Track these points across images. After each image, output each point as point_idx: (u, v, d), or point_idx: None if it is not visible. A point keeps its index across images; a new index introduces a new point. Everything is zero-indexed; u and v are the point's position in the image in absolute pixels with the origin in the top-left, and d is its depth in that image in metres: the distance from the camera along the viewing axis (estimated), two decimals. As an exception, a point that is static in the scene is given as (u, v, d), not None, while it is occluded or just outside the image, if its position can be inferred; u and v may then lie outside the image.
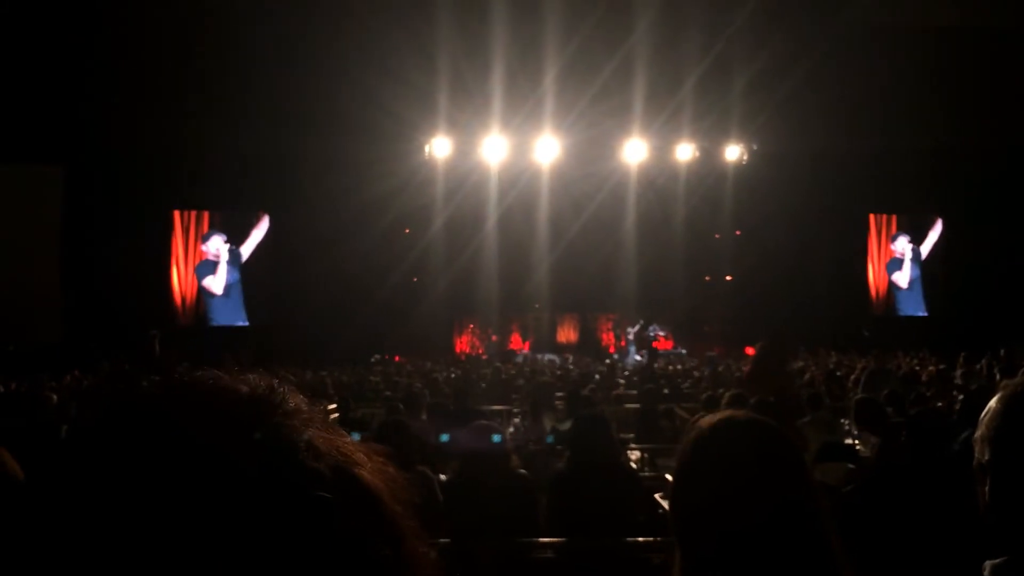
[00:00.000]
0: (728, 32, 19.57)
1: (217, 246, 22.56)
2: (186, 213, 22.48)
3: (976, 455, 1.33)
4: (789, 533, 1.36)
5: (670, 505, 1.57)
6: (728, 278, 24.32)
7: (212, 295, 22.47)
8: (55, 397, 7.84)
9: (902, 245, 25.26)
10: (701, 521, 1.43)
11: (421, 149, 21.86)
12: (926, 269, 25.24)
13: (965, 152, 21.28)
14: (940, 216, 24.98)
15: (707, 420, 1.52)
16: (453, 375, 14.07)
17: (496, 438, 4.12)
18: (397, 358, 19.54)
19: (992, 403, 1.35)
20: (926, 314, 25.01)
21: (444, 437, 4.97)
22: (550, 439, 6.16)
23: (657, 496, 4.47)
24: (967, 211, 22.79)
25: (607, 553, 3.74)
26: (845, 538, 1.39)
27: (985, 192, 21.65)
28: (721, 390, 7.21)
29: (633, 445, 7.19)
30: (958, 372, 10.39)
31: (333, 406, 8.63)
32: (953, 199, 23.05)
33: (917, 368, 12.62)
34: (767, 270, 22.36)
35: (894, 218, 25.29)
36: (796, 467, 1.45)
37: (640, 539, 3.85)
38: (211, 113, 19.52)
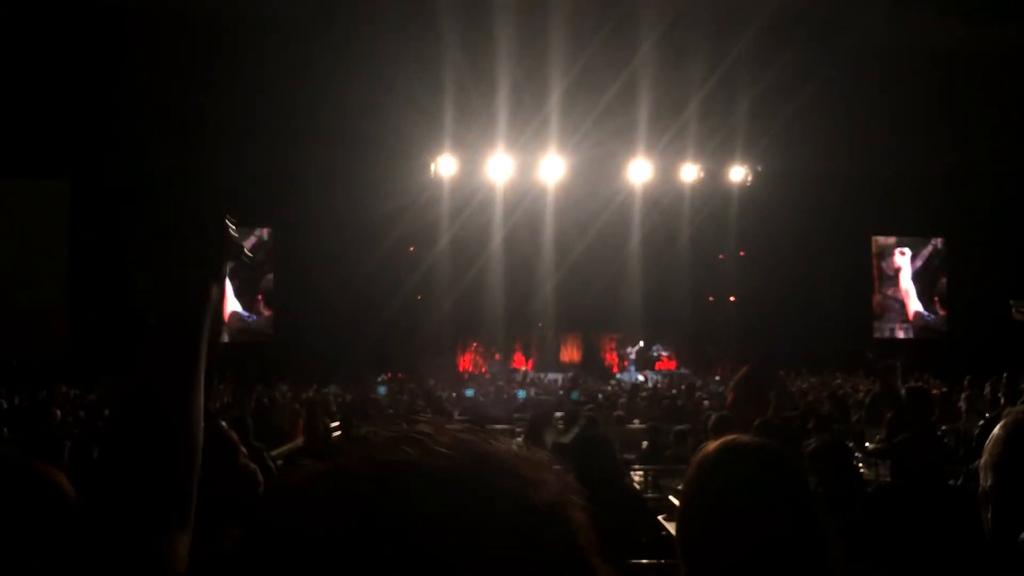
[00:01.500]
0: (732, 54, 19.68)
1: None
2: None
3: (980, 481, 1.34)
4: (795, 557, 1.36)
5: (677, 529, 1.58)
6: (732, 299, 24.31)
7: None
8: (59, 412, 7.85)
9: (901, 260, 25.26)
10: (708, 545, 1.43)
11: (427, 167, 21.96)
12: (921, 283, 25.25)
13: (968, 174, 21.33)
14: (943, 238, 24.97)
15: (713, 445, 1.53)
16: (455, 394, 14.06)
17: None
18: (400, 376, 19.54)
19: (996, 430, 1.36)
20: (916, 336, 25.01)
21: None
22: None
23: (661, 518, 4.46)
24: (969, 233, 22.78)
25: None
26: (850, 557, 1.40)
27: (988, 214, 21.66)
28: (711, 413, 7.21)
29: (637, 466, 7.18)
30: (962, 396, 10.36)
31: (336, 424, 8.63)
32: (956, 221, 23.05)
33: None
34: (771, 291, 22.33)
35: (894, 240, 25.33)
36: (801, 492, 1.45)
37: (644, 561, 3.84)
38: (218, 129, 19.62)
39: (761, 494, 1.41)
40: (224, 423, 6.13)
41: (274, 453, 7.30)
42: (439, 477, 0.54)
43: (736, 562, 1.37)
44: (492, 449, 0.58)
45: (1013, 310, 11.31)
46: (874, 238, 25.09)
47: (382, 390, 15.79)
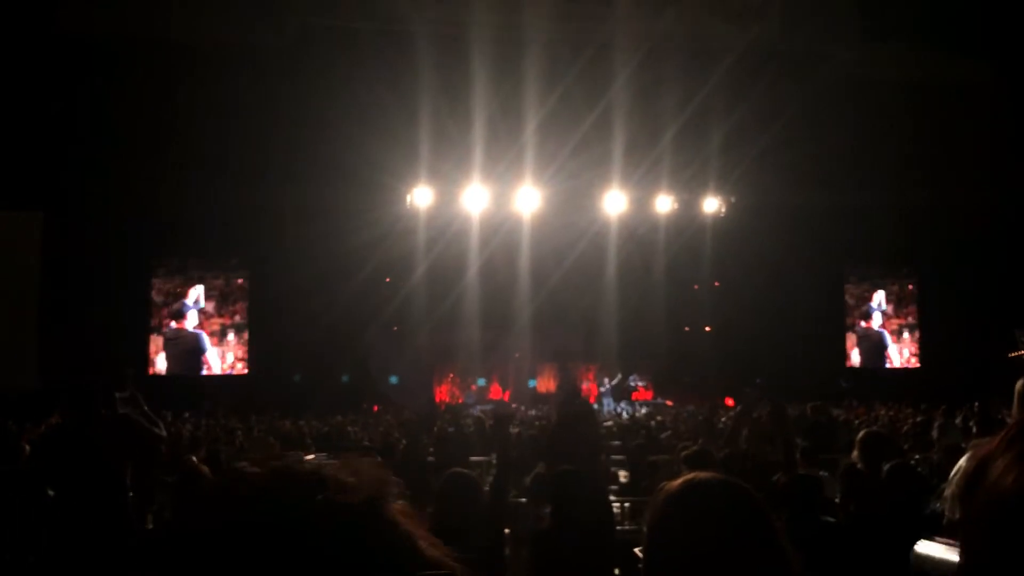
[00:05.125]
0: (707, 86, 19.95)
1: (195, 295, 22.53)
2: (164, 261, 22.44)
3: (947, 513, 1.35)
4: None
5: (643, 565, 1.58)
6: (707, 329, 24.42)
7: (193, 348, 22.40)
8: (28, 448, 7.71)
9: (875, 298, 25.56)
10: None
11: (403, 198, 21.99)
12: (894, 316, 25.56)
13: (941, 207, 21.65)
14: (915, 270, 25.30)
15: (675, 482, 1.53)
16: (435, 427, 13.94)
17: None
18: (376, 408, 19.40)
19: (962, 461, 1.37)
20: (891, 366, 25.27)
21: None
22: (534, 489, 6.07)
23: (637, 551, 4.45)
24: (942, 267, 23.08)
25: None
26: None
27: (961, 247, 21.97)
28: (682, 444, 7.21)
29: (614, 497, 7.15)
30: (935, 425, 10.44)
31: (311, 456, 8.55)
32: (929, 254, 23.35)
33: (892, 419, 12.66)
34: (746, 321, 22.47)
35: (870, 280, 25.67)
36: (763, 526, 1.46)
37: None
38: (192, 162, 19.59)
39: (724, 531, 1.41)
40: (195, 458, 6.07)
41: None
42: (241, 493, 0.67)
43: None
44: (300, 467, 0.70)
45: (1019, 340, 11.27)
46: (846, 286, 25.39)
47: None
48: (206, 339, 22.63)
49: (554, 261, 22.59)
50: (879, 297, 25.50)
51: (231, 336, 22.70)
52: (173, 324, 22.56)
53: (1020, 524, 0.77)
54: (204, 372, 22.41)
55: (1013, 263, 21.32)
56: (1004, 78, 20.40)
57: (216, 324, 22.73)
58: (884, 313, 25.48)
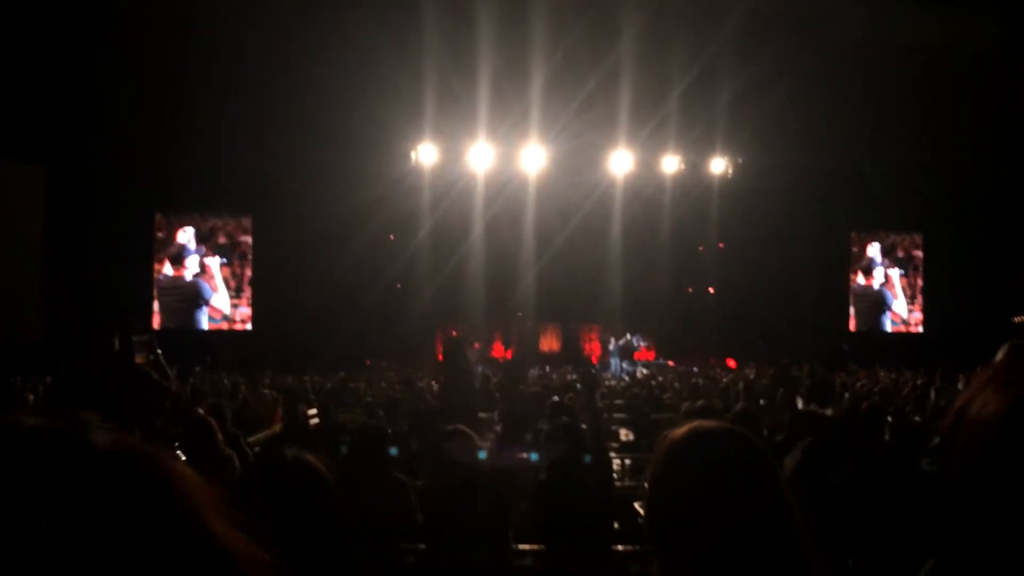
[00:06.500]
0: (713, 46, 19.71)
1: (198, 248, 22.47)
2: (170, 216, 22.38)
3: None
4: (762, 541, 1.37)
5: (645, 514, 1.58)
6: (711, 290, 24.42)
7: (192, 297, 22.36)
8: (31, 397, 7.78)
9: (869, 250, 25.43)
10: (676, 530, 1.44)
11: (407, 156, 21.88)
12: (899, 277, 25.46)
13: (948, 169, 21.49)
14: (921, 232, 25.17)
15: (679, 430, 1.52)
16: (435, 384, 14.01)
17: (482, 454, 4.11)
18: (381, 363, 19.47)
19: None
20: (893, 328, 25.20)
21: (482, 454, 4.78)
22: (534, 456, 6.09)
23: (637, 505, 4.49)
24: (948, 227, 22.98)
25: (586, 561, 3.75)
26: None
27: (967, 209, 21.86)
28: (689, 403, 7.24)
29: (615, 455, 7.21)
30: (932, 389, 10.46)
31: (313, 411, 8.61)
32: (935, 216, 23.23)
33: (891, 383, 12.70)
34: (750, 283, 22.47)
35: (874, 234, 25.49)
36: (768, 475, 1.46)
37: (620, 547, 3.86)
38: (198, 117, 19.47)
39: (726, 477, 1.41)
40: (202, 410, 6.11)
41: (252, 440, 7.29)
42: None
43: (705, 546, 1.38)
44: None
45: None
46: (852, 234, 25.23)
47: None
48: (207, 288, 22.47)
49: (559, 221, 22.53)
50: (874, 250, 25.30)
51: (235, 291, 22.72)
52: (170, 272, 22.35)
53: (998, 445, 0.86)
54: (205, 325, 22.39)
55: (1019, 228, 21.24)
56: (1010, 40, 20.13)
57: (222, 277, 22.70)
58: (888, 276, 25.36)
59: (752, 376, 13.86)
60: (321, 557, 1.75)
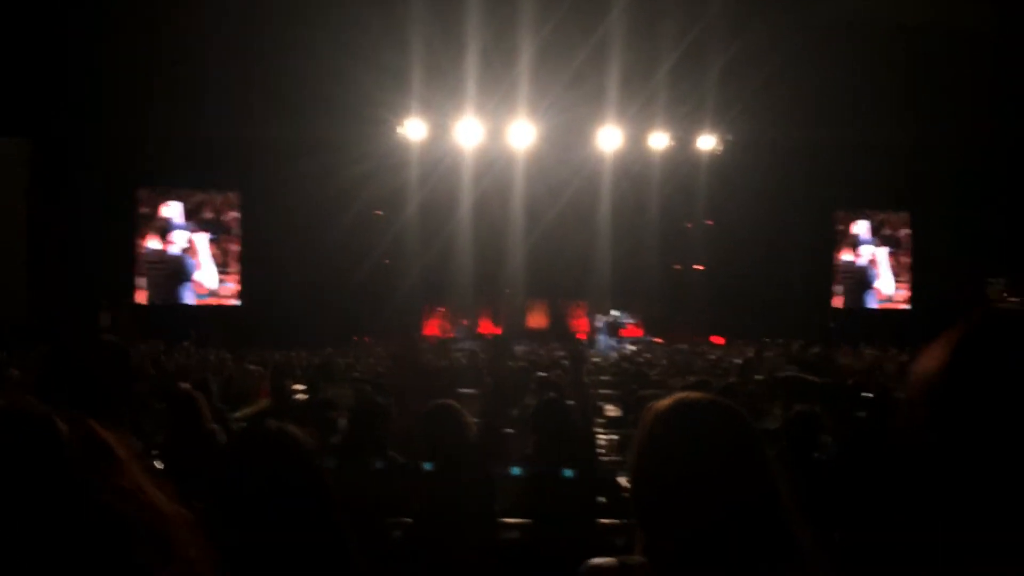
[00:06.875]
0: (703, 21, 19.62)
1: (183, 224, 22.30)
2: (153, 191, 22.20)
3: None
4: (748, 511, 1.37)
5: (631, 486, 1.58)
6: (699, 267, 24.46)
7: (176, 272, 22.23)
8: (16, 372, 7.73)
9: (855, 228, 25.49)
10: (660, 500, 1.43)
11: (393, 130, 21.75)
12: (885, 255, 25.56)
13: (936, 147, 21.53)
14: (909, 211, 25.24)
15: (664, 402, 1.52)
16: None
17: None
18: (367, 339, 19.46)
19: None
20: (879, 305, 25.32)
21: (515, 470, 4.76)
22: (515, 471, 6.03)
23: (622, 480, 4.51)
24: (935, 206, 23.04)
25: (571, 535, 3.77)
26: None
27: (955, 187, 21.91)
28: (679, 378, 7.28)
29: (600, 430, 7.22)
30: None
31: (301, 387, 8.59)
32: (923, 194, 23.27)
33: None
34: (739, 260, 22.54)
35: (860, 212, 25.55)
36: (753, 446, 1.46)
37: (604, 521, 3.88)
38: (183, 91, 19.29)
39: (713, 449, 1.41)
40: (187, 385, 6.09)
41: (238, 415, 7.28)
42: None
43: (689, 517, 1.37)
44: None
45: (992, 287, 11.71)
46: (839, 212, 25.26)
47: None
48: (192, 263, 22.28)
49: (548, 197, 22.47)
50: (860, 227, 25.38)
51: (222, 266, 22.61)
52: (157, 246, 22.16)
53: (942, 394, 0.91)
54: (191, 300, 22.28)
55: (1008, 206, 21.33)
56: (1001, 19, 20.12)
57: (209, 253, 22.58)
58: (875, 253, 25.43)
59: (752, 355, 13.83)
60: (304, 529, 1.75)
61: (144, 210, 22.05)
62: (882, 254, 25.47)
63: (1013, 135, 20.65)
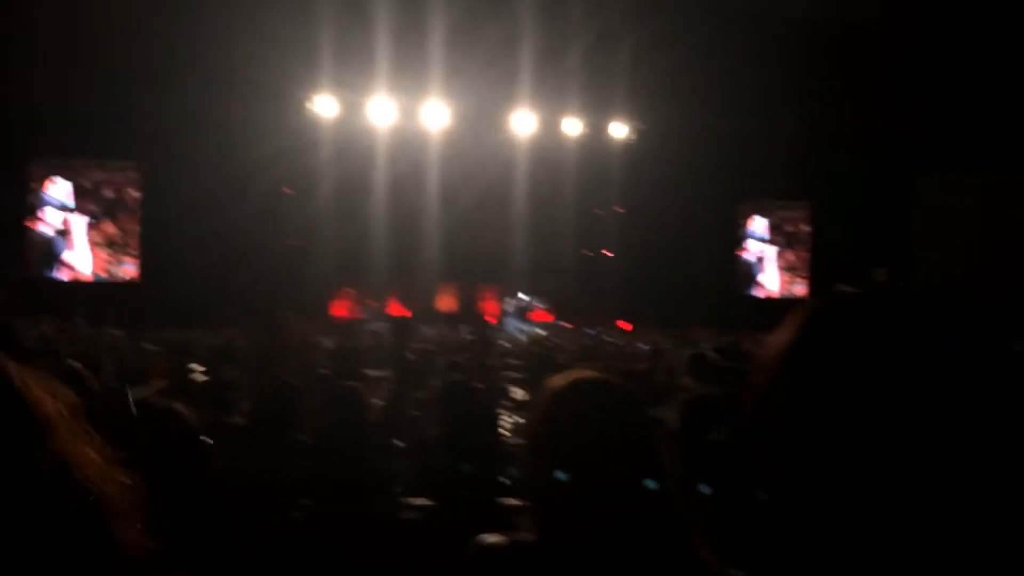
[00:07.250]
0: (611, 6, 19.79)
1: (64, 190, 21.28)
2: (47, 165, 21.20)
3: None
4: (633, 489, 1.38)
5: (526, 461, 1.58)
6: (608, 253, 24.81)
7: (64, 247, 21.30)
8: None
9: (752, 224, 26.29)
10: (551, 477, 1.43)
11: (303, 107, 21.28)
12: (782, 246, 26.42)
13: (836, 138, 22.30)
14: (808, 200, 26.07)
15: (558, 380, 1.54)
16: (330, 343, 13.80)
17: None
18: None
19: None
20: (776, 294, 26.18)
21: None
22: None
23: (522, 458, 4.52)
24: (834, 197, 23.85)
25: (473, 515, 3.76)
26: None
27: (854, 179, 22.73)
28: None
29: (505, 413, 7.24)
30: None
31: (201, 367, 8.34)
32: (824, 184, 24.05)
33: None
34: (648, 247, 22.96)
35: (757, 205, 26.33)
36: (641, 424, 1.48)
37: (507, 501, 3.88)
38: (83, 62, 18.45)
39: (604, 427, 1.43)
40: (77, 363, 5.83)
41: (135, 396, 7.01)
42: None
43: (579, 494, 1.37)
44: None
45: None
46: (738, 207, 25.95)
47: None
48: (62, 243, 21.30)
49: (463, 180, 22.39)
50: (758, 225, 26.19)
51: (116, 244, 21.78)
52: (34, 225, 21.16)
53: (782, 370, 0.92)
54: (62, 276, 21.39)
55: (896, 198, 22.24)
56: (892, 14, 21.01)
57: (104, 231, 21.71)
58: (764, 240, 26.23)
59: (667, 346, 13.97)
60: (186, 508, 1.69)
61: (34, 185, 21.06)
62: (771, 253, 26.27)
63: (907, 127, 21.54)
